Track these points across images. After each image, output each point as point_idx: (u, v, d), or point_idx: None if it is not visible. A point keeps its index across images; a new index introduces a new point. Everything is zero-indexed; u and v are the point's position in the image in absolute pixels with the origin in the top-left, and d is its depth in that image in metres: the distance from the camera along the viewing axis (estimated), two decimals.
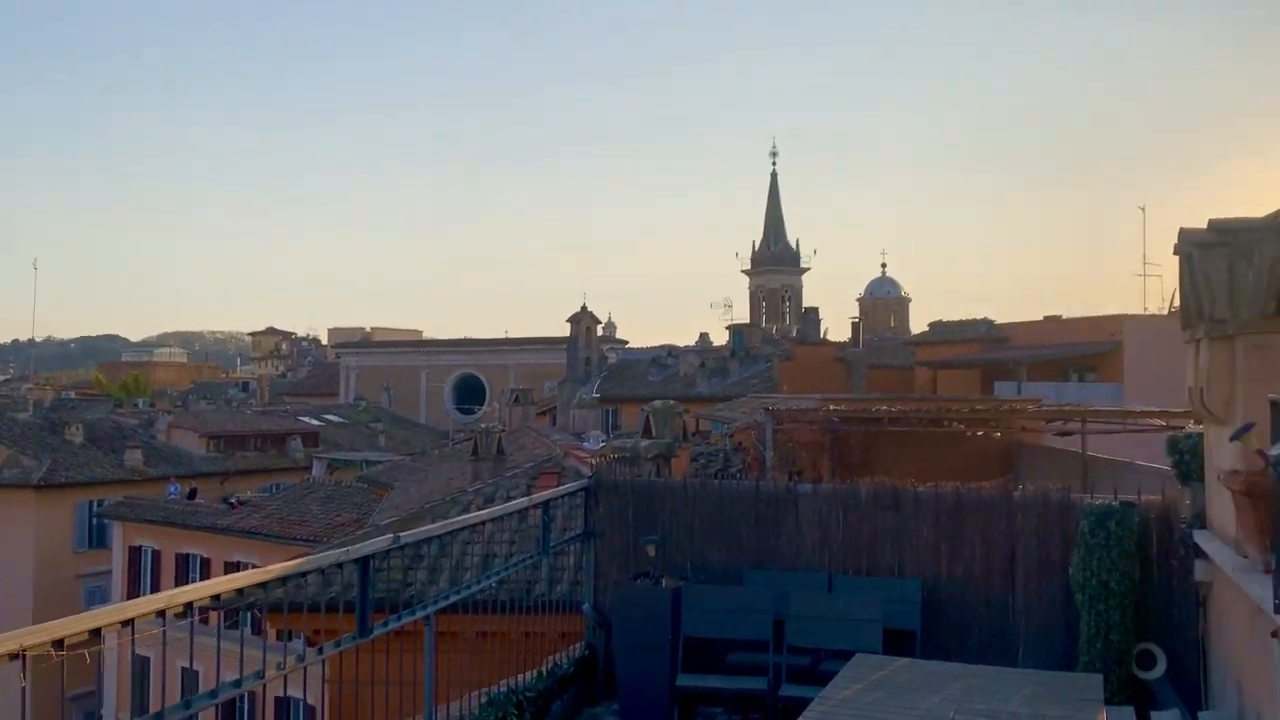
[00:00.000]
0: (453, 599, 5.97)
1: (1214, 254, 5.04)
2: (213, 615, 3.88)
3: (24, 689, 2.96)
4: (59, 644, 3.10)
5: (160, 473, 39.30)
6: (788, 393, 29.58)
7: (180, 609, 3.66)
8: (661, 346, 55.47)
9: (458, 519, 6.81)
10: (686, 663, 7.22)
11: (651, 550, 7.61)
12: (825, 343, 46.63)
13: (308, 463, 42.80)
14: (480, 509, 11.94)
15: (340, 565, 4.99)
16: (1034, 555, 7.08)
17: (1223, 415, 5.13)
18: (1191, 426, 7.04)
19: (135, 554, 32.09)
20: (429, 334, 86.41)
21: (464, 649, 7.35)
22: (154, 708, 3.60)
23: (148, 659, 24.71)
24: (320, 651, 4.64)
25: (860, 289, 66.44)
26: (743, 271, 70.50)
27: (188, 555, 30.38)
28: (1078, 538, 6.64)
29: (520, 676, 6.97)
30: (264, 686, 4.35)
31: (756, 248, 70.56)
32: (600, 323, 53.24)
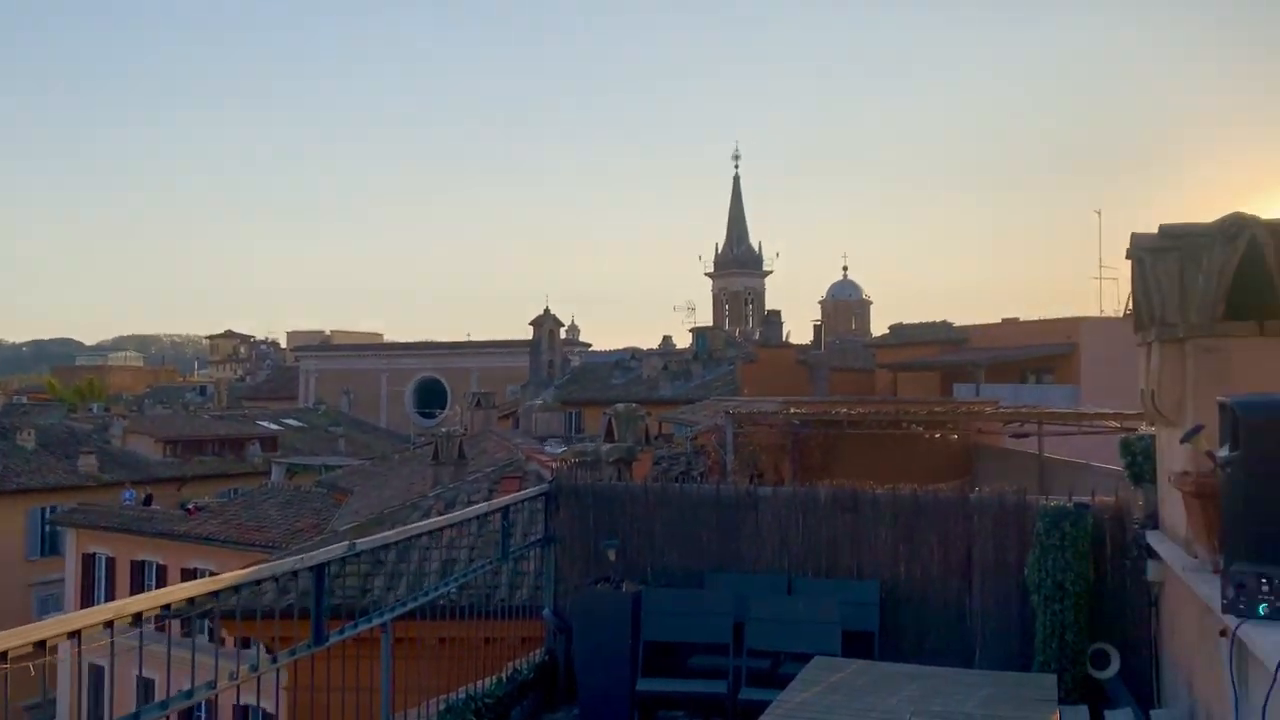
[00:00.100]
0: (409, 606, 5.92)
1: (1164, 259, 5.11)
2: (168, 624, 3.83)
3: None
4: (2, 656, 3.04)
5: (115, 478, 38.73)
6: (750, 395, 29.70)
7: (129, 619, 3.60)
8: (625, 349, 55.50)
9: (414, 526, 6.76)
10: (647, 667, 7.22)
11: (612, 555, 7.60)
12: (787, 345, 46.86)
13: (266, 468, 42.38)
14: (441, 514, 11.88)
15: (295, 573, 4.94)
16: (990, 556, 7.15)
17: (1174, 417, 5.20)
18: (1144, 428, 7.14)
19: (89, 562, 31.57)
20: (390, 337, 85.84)
21: (424, 655, 7.30)
22: (107, 718, 3.53)
23: (102, 668, 24.32)
24: (274, 660, 4.58)
25: (822, 292, 66.89)
26: (706, 274, 70.71)
27: (143, 562, 29.93)
28: (1033, 539, 6.71)
29: (480, 683, 6.94)
30: (217, 695, 4.29)
31: (719, 250, 70.80)
32: (563, 326, 53.19)
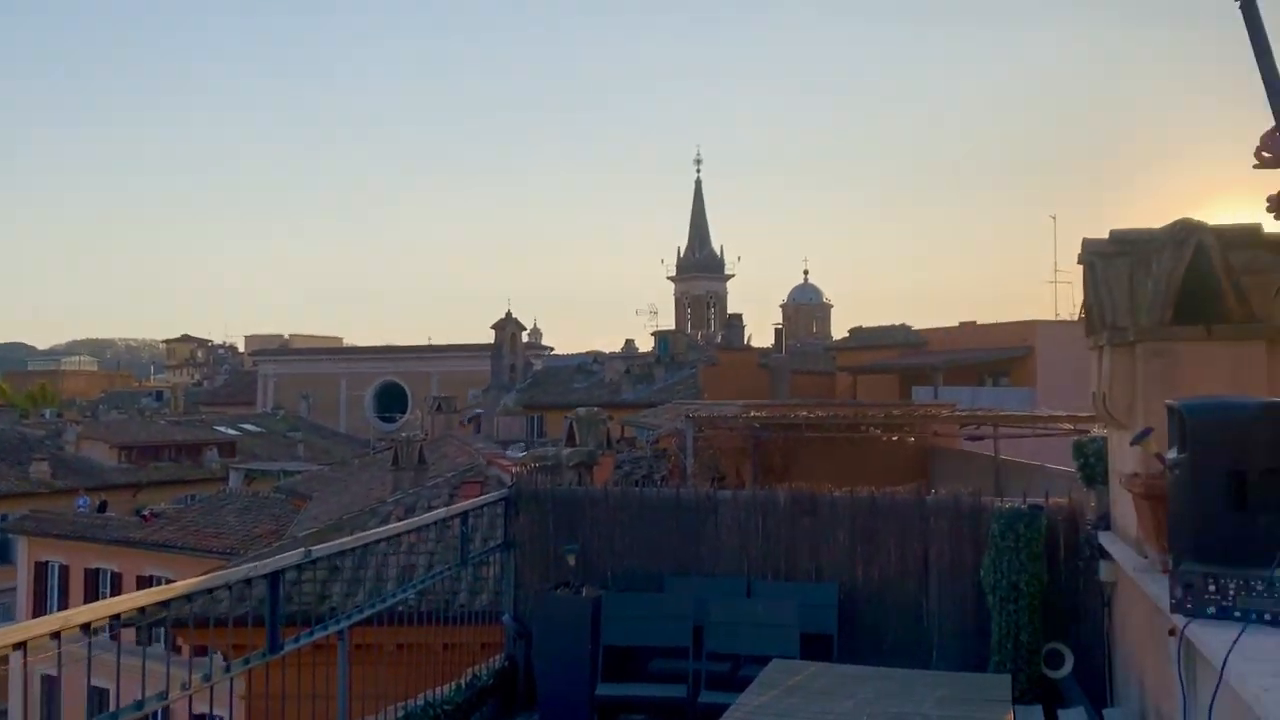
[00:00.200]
0: (366, 614, 5.88)
1: (1115, 264, 5.19)
2: (123, 633, 3.77)
3: None
4: None
5: (68, 485, 38.10)
6: (712, 399, 29.79)
7: (77, 630, 3.55)
8: (587, 353, 55.50)
9: (371, 532, 6.71)
10: (607, 671, 7.21)
11: (572, 559, 7.59)
12: (749, 349, 47.06)
13: (224, 473, 41.90)
14: (401, 519, 11.79)
15: (249, 581, 4.88)
16: (947, 558, 7.22)
17: (1124, 420, 5.28)
18: (1097, 430, 7.24)
19: (42, 570, 31.01)
20: (350, 341, 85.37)
21: (384, 661, 7.25)
22: None
23: (56, 678, 23.91)
24: (228, 669, 4.53)
25: (783, 295, 67.25)
26: (668, 278, 70.96)
27: (98, 570, 29.46)
28: (988, 540, 6.78)
29: (439, 689, 6.89)
30: (170, 705, 4.23)
31: (682, 254, 71.07)
32: (525, 329, 53.07)
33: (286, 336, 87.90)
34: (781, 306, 66.21)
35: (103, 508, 35.47)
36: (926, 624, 7.24)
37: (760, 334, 64.27)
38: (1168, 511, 4.19)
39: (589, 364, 49.00)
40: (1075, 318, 6.51)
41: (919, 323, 39.00)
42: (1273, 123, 2.87)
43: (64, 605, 27.90)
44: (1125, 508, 5.50)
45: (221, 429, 50.12)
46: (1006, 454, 16.29)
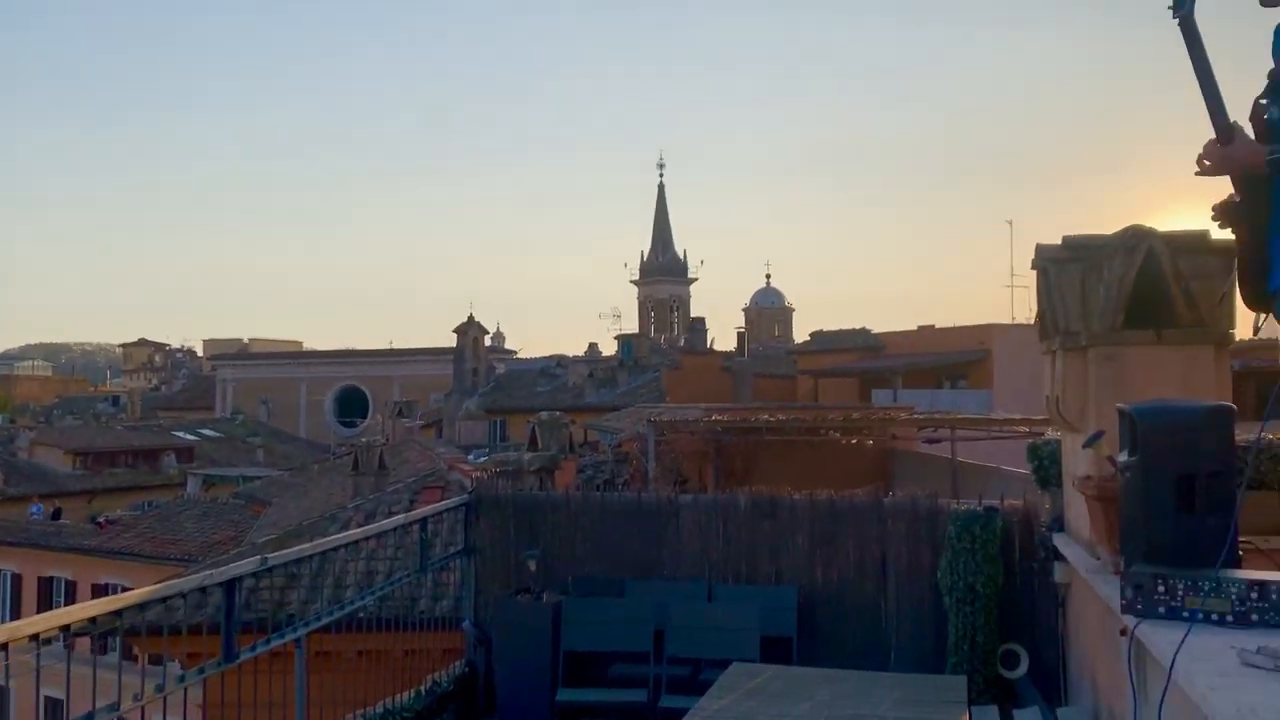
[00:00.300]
0: (324, 621, 5.83)
1: (1067, 269, 5.27)
2: (77, 642, 3.72)
3: None
4: None
5: (21, 492, 37.43)
6: (675, 402, 29.85)
7: (25, 640, 3.49)
8: (550, 357, 55.38)
9: (330, 539, 6.66)
10: (567, 677, 7.20)
11: (533, 565, 7.57)
12: (712, 352, 47.18)
13: (182, 479, 41.33)
14: (361, 525, 11.70)
15: (204, 589, 4.82)
16: (904, 560, 7.29)
17: (1077, 423, 5.35)
18: (1051, 433, 7.33)
19: None
20: (310, 345, 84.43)
21: (344, 668, 7.19)
22: None
23: (4, 689, 23.47)
24: (181, 679, 4.47)
25: (746, 299, 67.53)
26: (631, 282, 71.05)
27: (51, 579, 28.97)
28: (945, 542, 6.86)
29: (399, 695, 6.85)
30: (124, 717, 4.17)
31: (645, 258, 71.17)
32: (488, 333, 52.85)
33: (246, 340, 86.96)
34: (744, 310, 66.52)
35: (57, 515, 34.88)
36: (885, 625, 7.30)
37: (723, 337, 64.60)
38: (1119, 513, 4.26)
39: (552, 368, 48.89)
40: (1031, 322, 6.59)
41: (879, 326, 39.43)
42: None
43: (17, 614, 27.40)
44: (1078, 510, 5.58)
45: (179, 434, 49.47)
46: (964, 456, 16.47)
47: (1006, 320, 32.54)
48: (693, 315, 63.54)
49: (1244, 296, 3.06)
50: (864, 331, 39.11)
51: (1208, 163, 2.96)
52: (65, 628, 3.72)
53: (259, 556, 5.21)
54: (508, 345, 69.89)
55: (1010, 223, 65.45)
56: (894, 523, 7.35)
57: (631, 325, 63.74)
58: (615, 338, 51.18)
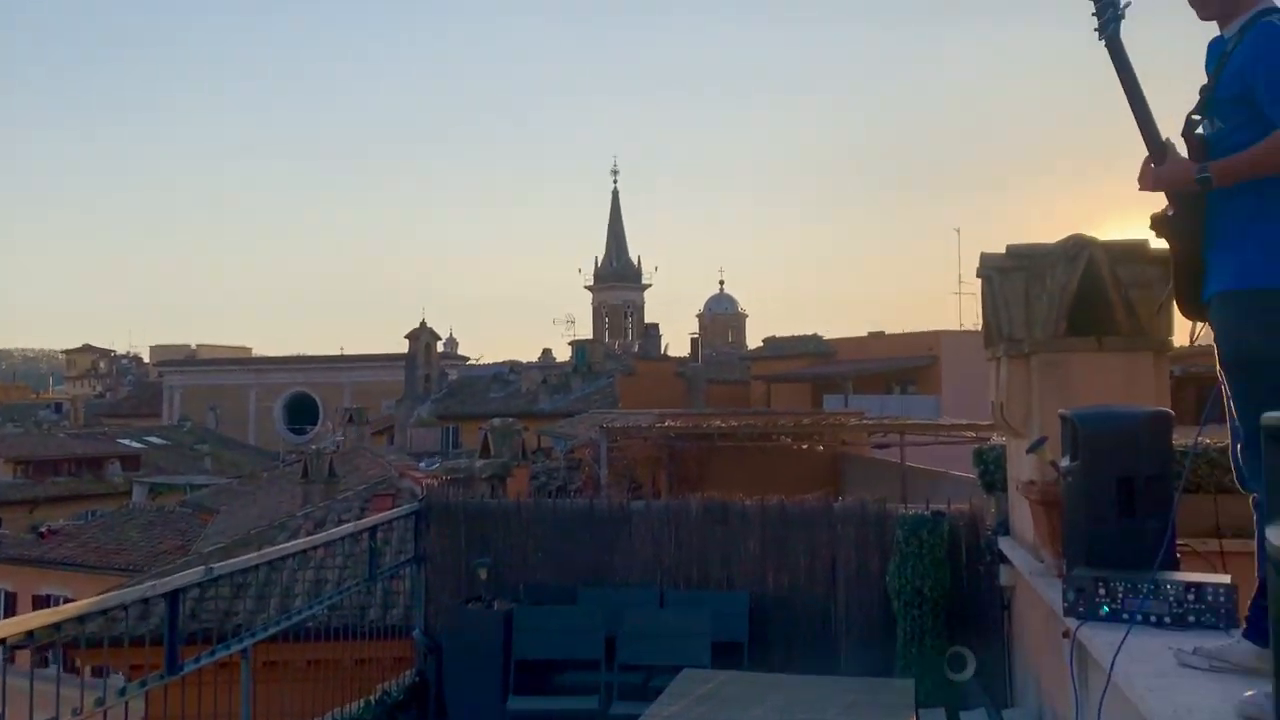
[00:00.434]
0: (270, 631, 5.75)
1: (1011, 277, 5.36)
2: (17, 655, 3.63)
3: None
4: None
5: None
6: (629, 408, 29.86)
7: None
8: (504, 363, 55.14)
9: (277, 548, 6.57)
10: (518, 685, 7.17)
11: (483, 573, 7.53)
12: (666, 358, 47.31)
13: (127, 488, 40.60)
14: (311, 534, 11.57)
15: (147, 600, 4.74)
16: (854, 565, 7.35)
17: (1020, 429, 5.44)
18: (996, 439, 7.44)
19: None
20: (259, 351, 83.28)
21: (293, 679, 7.11)
22: None
23: None
24: (122, 693, 4.38)
25: (700, 305, 67.74)
26: (585, 287, 70.92)
27: None
28: (893, 546, 6.92)
29: (349, 705, 6.77)
30: None
31: (599, 264, 71.11)
32: (441, 339, 52.53)
33: (193, 347, 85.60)
34: (698, 316, 66.73)
35: None
36: (835, 630, 7.35)
37: (677, 343, 64.70)
38: (1062, 517, 4.33)
39: (505, 374, 48.68)
40: (978, 328, 6.68)
41: (830, 333, 39.70)
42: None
43: None
44: (1023, 514, 5.66)
45: (125, 442, 48.52)
46: (913, 461, 16.64)
47: (955, 327, 32.98)
48: (647, 321, 63.61)
49: (1180, 305, 3.12)
50: (816, 338, 39.40)
51: (1144, 183, 3.02)
52: (1, 641, 3.63)
53: (204, 566, 5.12)
54: (461, 351, 69.55)
55: (958, 231, 66.42)
56: (844, 527, 7.41)
57: (586, 331, 63.67)
58: (569, 344, 51.11)
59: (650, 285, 70.54)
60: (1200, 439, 3.53)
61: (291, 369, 68.48)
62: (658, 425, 17.81)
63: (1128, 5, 2.94)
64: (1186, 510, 4.12)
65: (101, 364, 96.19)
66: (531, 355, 59.84)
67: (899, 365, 31.58)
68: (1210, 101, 2.91)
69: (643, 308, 69.98)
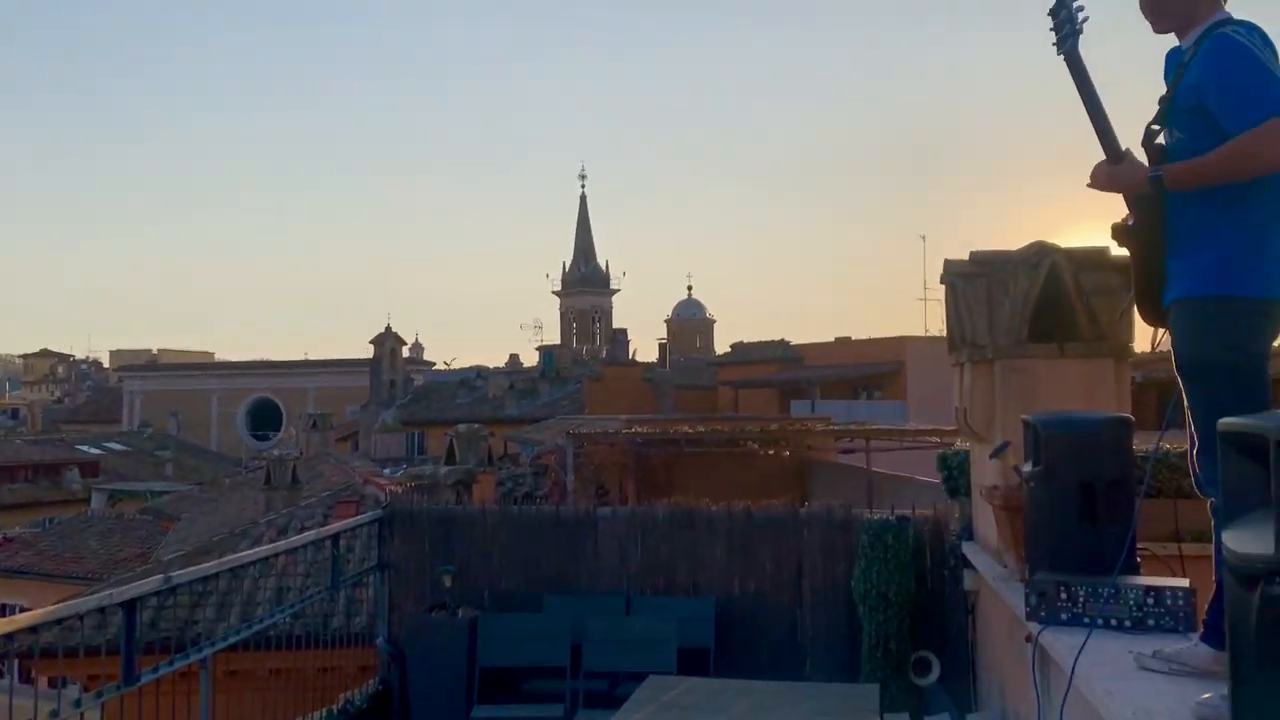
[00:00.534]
0: (230, 640, 5.68)
1: (974, 284, 5.39)
2: None
3: None
4: None
5: None
6: (597, 414, 29.83)
7: None
8: (470, 368, 54.92)
9: (238, 556, 6.50)
10: (483, 693, 7.12)
11: (448, 580, 7.48)
12: (634, 364, 47.29)
13: (86, 495, 39.99)
14: (273, 541, 11.45)
15: (103, 610, 4.66)
16: (820, 570, 7.37)
17: (984, 434, 5.47)
18: (960, 444, 7.49)
19: None
20: (221, 356, 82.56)
21: (256, 688, 7.02)
22: None
23: None
24: (78, 704, 4.31)
25: (668, 311, 67.82)
26: (553, 293, 70.87)
27: None
28: (859, 551, 6.95)
29: (311, 715, 6.70)
30: None
31: (567, 269, 71.09)
32: (406, 344, 52.26)
33: (155, 351, 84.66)
34: (666, 322, 66.78)
35: None
36: (801, 635, 7.36)
37: (645, 349, 64.67)
38: (1025, 522, 4.36)
39: (472, 379, 48.49)
40: (944, 334, 6.73)
41: (798, 338, 39.89)
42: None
43: None
44: (986, 519, 5.69)
45: (84, 448, 47.82)
46: (878, 466, 16.73)
47: (921, 333, 33.23)
48: (615, 327, 63.67)
49: (1140, 312, 3.16)
50: (783, 343, 39.58)
51: (1097, 180, 3.05)
52: None
53: (162, 575, 5.05)
54: (427, 356, 69.22)
55: (923, 237, 66.99)
56: (810, 533, 7.43)
57: (553, 336, 63.60)
58: (537, 349, 50.98)
59: (618, 290, 70.67)
60: (1161, 444, 3.56)
61: (255, 374, 67.85)
62: (625, 431, 17.79)
63: (1085, 20, 2.97)
64: (1147, 515, 4.16)
65: (60, 369, 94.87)
66: (499, 361, 59.65)
67: (866, 371, 31.79)
68: (1169, 112, 2.95)
69: (611, 313, 70.05)
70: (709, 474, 16.35)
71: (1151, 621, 3.42)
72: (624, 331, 54.39)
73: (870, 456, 16.79)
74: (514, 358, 58.24)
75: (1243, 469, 1.93)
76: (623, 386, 39.26)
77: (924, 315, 62.61)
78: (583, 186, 72.75)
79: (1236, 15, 2.87)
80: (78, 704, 4.31)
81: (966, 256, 5.52)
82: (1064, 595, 3.63)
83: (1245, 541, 1.85)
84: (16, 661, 4.21)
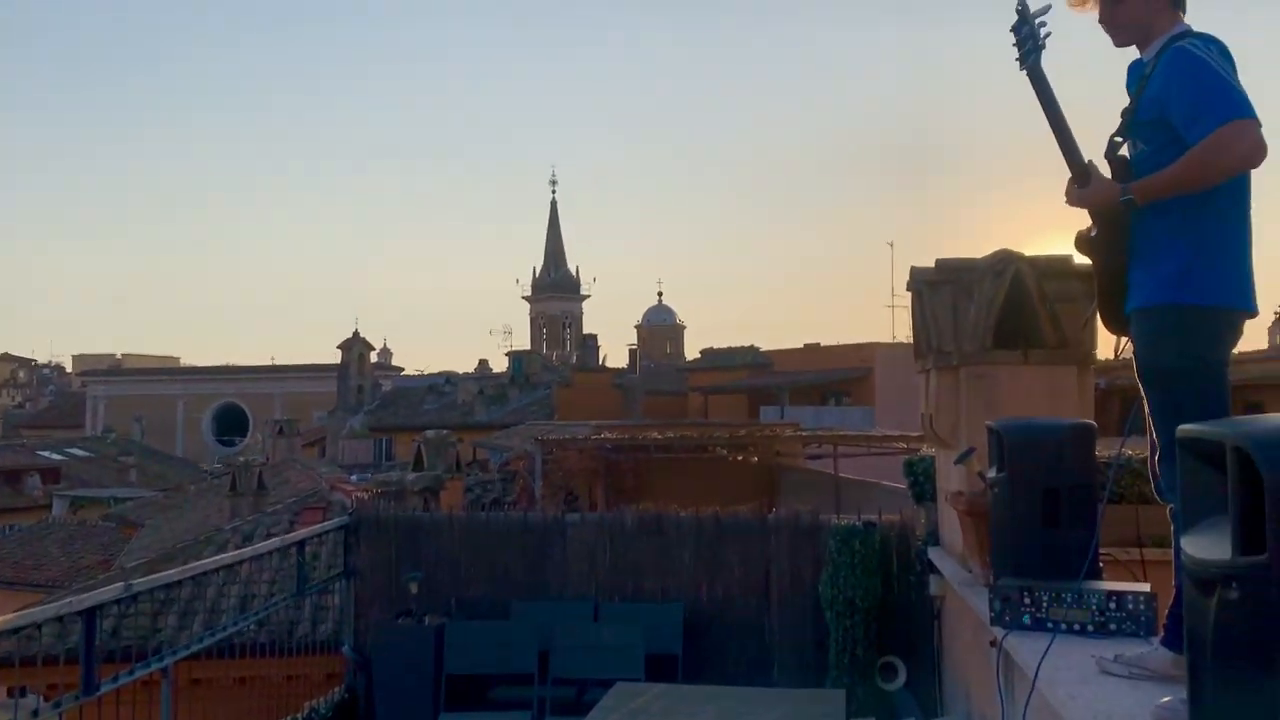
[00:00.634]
0: (193, 649, 5.62)
1: (940, 291, 5.44)
2: None
3: None
4: None
5: None
6: (567, 419, 29.78)
7: None
8: (439, 374, 54.67)
9: (201, 563, 6.43)
10: (449, 701, 7.08)
11: (414, 587, 7.44)
12: (604, 369, 47.23)
13: (47, 501, 39.42)
14: (238, 548, 11.33)
15: (62, 618, 4.60)
16: (787, 575, 7.39)
17: (949, 440, 5.51)
18: (926, 450, 7.54)
19: None
20: (187, 360, 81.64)
21: (221, 696, 6.95)
22: None
23: None
24: (35, 715, 4.24)
25: (638, 316, 67.82)
26: (523, 298, 70.73)
27: None
28: (826, 557, 6.97)
29: None
30: None
31: (537, 274, 70.97)
32: (374, 349, 51.93)
33: (119, 356, 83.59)
34: (636, 327, 66.76)
35: None
36: (769, 640, 7.38)
37: (615, 355, 64.71)
38: (989, 528, 4.39)
39: (441, 384, 48.26)
40: (910, 340, 6.78)
41: (767, 344, 40.02)
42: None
43: None
44: (951, 524, 5.73)
45: (45, 454, 47.09)
46: (846, 472, 16.80)
47: (888, 339, 33.42)
48: (585, 332, 63.56)
49: (1104, 320, 3.20)
50: (753, 349, 39.72)
51: (1070, 201, 3.10)
52: None
53: (123, 583, 4.98)
54: (395, 362, 68.82)
55: (891, 244, 67.34)
56: (778, 538, 7.45)
57: (523, 342, 63.49)
58: (506, 354, 50.84)
59: (589, 296, 70.69)
60: (1123, 450, 3.60)
61: (221, 379, 67.21)
62: (594, 437, 17.77)
63: (1048, 36, 3.01)
64: (1109, 520, 4.19)
65: (21, 373, 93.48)
66: (468, 366, 59.44)
67: (834, 377, 31.92)
68: (1132, 124, 2.99)
69: (581, 319, 70.03)
70: (678, 480, 16.35)
71: (1113, 626, 3.46)
72: (594, 337, 54.38)
73: (838, 462, 16.87)
74: (483, 363, 58.08)
75: (1201, 475, 1.95)
76: (593, 392, 39.19)
77: (892, 322, 63.03)
78: (553, 192, 72.73)
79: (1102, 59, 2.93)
80: (36, 714, 4.25)
81: (932, 264, 5.57)
82: (1028, 600, 3.66)
83: (1203, 547, 1.87)
84: None
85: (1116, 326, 3.12)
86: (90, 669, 4.53)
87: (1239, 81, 2.75)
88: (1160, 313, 2.88)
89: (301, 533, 7.55)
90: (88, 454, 49.82)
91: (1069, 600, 3.55)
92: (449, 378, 50.94)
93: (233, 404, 65.03)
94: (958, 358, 5.32)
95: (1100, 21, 3.04)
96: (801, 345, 37.62)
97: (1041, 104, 3.06)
